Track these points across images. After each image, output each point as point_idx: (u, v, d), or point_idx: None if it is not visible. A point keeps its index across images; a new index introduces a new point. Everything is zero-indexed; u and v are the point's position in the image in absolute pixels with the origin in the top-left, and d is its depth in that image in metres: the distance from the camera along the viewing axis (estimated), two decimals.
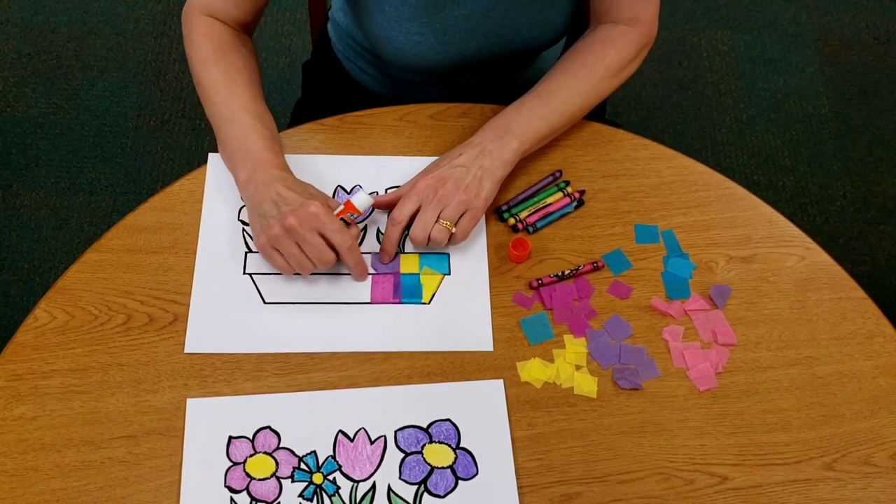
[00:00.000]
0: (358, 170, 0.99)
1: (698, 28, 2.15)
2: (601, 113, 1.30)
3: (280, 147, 0.93)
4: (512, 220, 0.95)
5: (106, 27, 2.07)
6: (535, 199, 0.97)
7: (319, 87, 1.27)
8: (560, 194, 0.98)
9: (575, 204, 0.97)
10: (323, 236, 0.85)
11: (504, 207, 0.97)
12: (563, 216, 0.97)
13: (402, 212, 0.90)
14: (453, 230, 0.90)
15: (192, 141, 1.91)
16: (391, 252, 0.91)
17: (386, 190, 0.97)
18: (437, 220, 0.89)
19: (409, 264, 0.93)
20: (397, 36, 1.00)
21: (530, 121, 0.94)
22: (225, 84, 0.93)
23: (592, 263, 0.93)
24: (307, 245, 0.85)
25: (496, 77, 1.14)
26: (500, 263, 0.93)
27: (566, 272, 0.92)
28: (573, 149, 1.02)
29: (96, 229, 1.77)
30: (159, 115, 1.94)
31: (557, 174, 0.99)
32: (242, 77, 0.94)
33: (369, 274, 0.92)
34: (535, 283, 0.92)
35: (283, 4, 2.12)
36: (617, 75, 0.99)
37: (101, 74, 1.99)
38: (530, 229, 0.96)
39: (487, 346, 0.88)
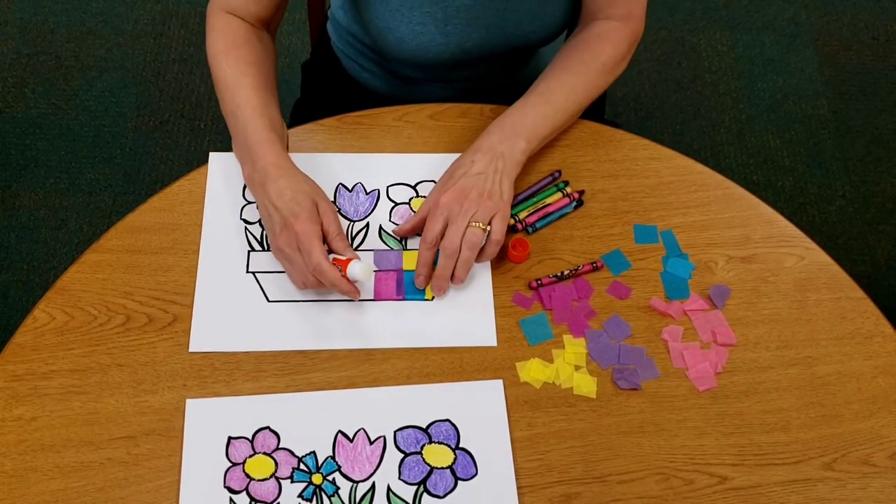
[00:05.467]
0: (359, 168, 0.99)
1: (697, 28, 2.16)
2: (600, 113, 1.30)
3: (280, 139, 0.92)
4: (511, 221, 0.95)
5: (105, 28, 2.07)
6: (535, 199, 0.97)
7: (319, 87, 1.27)
8: (559, 194, 0.98)
9: (574, 204, 0.97)
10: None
11: None
12: (562, 216, 0.97)
13: (433, 232, 0.88)
14: (488, 229, 0.88)
15: (192, 141, 1.91)
16: (428, 276, 0.90)
17: (388, 188, 0.98)
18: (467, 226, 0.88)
19: (411, 261, 0.93)
20: (399, 26, 1.00)
21: (535, 120, 0.95)
22: (233, 78, 0.94)
23: (592, 264, 0.93)
24: (297, 266, 0.86)
25: (496, 74, 1.14)
26: (499, 264, 0.93)
27: (565, 272, 0.92)
28: (572, 149, 1.02)
29: (95, 230, 1.77)
30: (158, 116, 1.94)
31: (557, 174, 0.99)
32: (251, 70, 0.94)
33: (373, 271, 0.92)
34: (534, 284, 0.92)
35: None
36: (611, 72, 1.00)
37: (100, 75, 1.99)
38: (529, 229, 0.96)
39: (491, 341, 0.88)
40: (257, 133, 0.90)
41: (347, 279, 0.85)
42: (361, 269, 0.85)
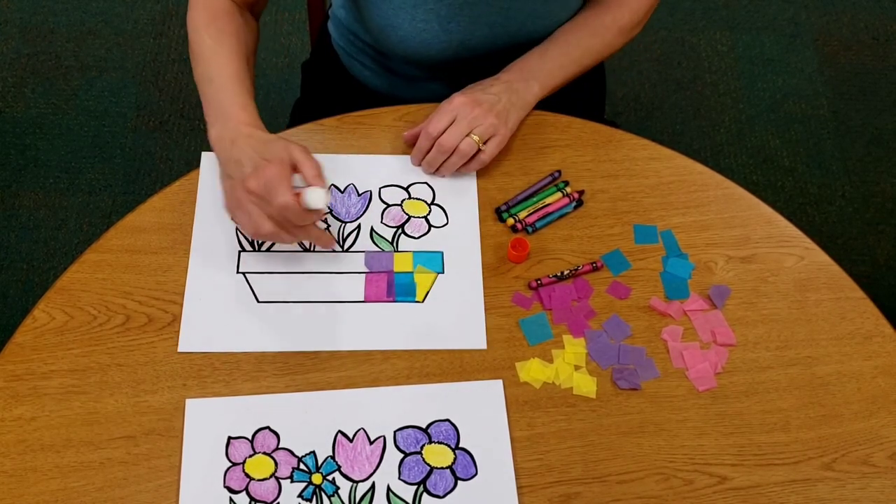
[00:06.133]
0: (351, 169, 0.99)
1: (697, 28, 2.15)
2: (600, 113, 1.30)
3: (253, 104, 0.91)
4: (511, 221, 0.95)
5: (104, 27, 2.07)
6: (534, 199, 0.97)
7: (319, 87, 1.27)
8: (559, 194, 0.98)
9: (574, 204, 0.97)
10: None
11: (503, 208, 0.97)
12: (562, 216, 0.97)
13: (437, 125, 0.94)
14: (482, 146, 0.94)
15: (191, 141, 1.91)
16: (420, 160, 0.97)
17: (380, 189, 0.98)
18: (468, 135, 0.94)
19: (402, 263, 0.93)
20: (402, 23, 1.00)
21: (552, 69, 1.02)
22: (210, 47, 0.94)
23: (591, 264, 0.93)
24: (270, 209, 0.82)
25: (497, 71, 1.14)
26: (499, 264, 0.93)
27: (565, 272, 0.92)
28: (572, 149, 1.02)
29: (95, 230, 1.77)
30: (158, 116, 1.94)
31: (556, 174, 0.99)
32: (230, 41, 0.95)
33: (364, 273, 0.92)
34: (534, 284, 0.92)
35: (283, 4, 2.12)
36: (628, 34, 1.08)
37: (99, 75, 1.99)
38: (529, 229, 0.96)
39: (481, 344, 0.88)
40: (234, 97, 0.90)
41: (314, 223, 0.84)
42: (315, 196, 0.81)
